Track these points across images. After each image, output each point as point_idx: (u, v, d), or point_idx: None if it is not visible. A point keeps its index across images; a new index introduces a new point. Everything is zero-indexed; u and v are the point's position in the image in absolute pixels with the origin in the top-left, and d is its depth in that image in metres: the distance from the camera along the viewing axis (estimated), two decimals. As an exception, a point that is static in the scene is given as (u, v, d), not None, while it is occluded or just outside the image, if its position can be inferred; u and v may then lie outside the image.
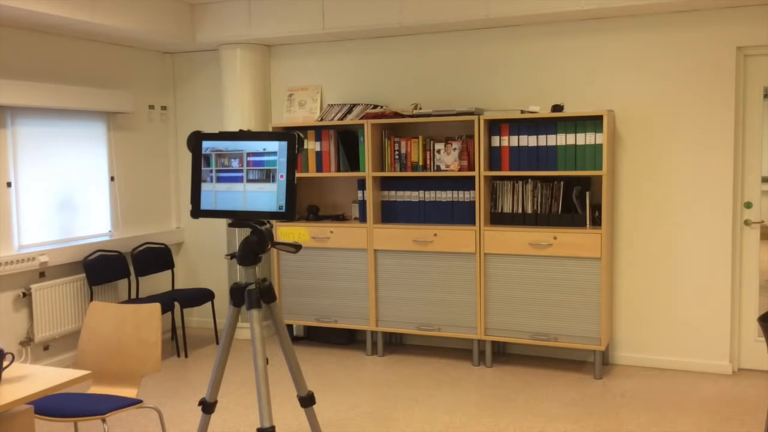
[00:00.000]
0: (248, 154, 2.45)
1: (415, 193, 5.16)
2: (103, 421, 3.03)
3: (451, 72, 5.34)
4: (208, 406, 3.01)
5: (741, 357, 4.85)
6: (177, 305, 5.71)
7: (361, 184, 5.24)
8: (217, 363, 2.95)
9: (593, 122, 4.64)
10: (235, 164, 2.46)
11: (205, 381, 4.85)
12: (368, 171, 5.16)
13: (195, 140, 2.54)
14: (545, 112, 4.83)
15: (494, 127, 4.90)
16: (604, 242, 4.60)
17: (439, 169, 5.04)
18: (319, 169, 5.41)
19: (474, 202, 4.93)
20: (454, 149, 4.99)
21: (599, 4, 4.56)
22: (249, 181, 2.45)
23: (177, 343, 5.59)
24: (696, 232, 4.79)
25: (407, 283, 5.11)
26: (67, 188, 5.31)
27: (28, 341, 4.95)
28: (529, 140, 4.80)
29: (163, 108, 6.21)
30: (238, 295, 2.84)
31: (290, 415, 4.16)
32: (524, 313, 4.81)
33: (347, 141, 5.39)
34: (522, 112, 4.84)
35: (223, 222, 6.08)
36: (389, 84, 5.53)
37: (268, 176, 2.43)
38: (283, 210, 2.54)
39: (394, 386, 4.67)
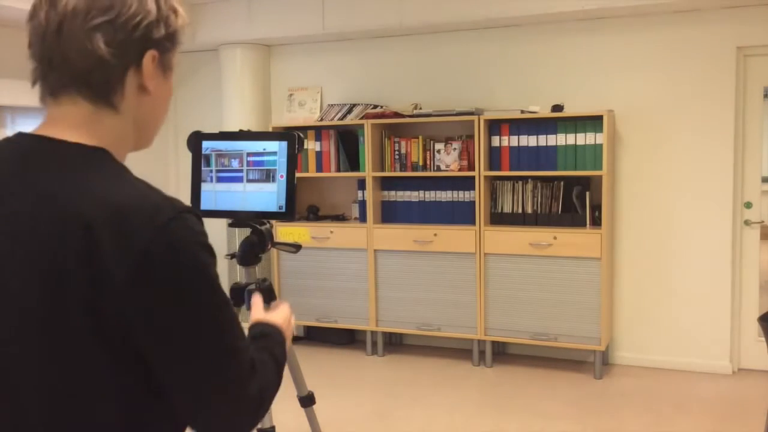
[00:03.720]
0: (248, 154, 2.45)
1: (415, 193, 5.16)
2: (103, 421, 3.03)
3: (451, 72, 5.33)
4: (208, 406, 3.00)
5: (741, 357, 4.85)
6: (177, 305, 5.70)
7: (361, 184, 5.24)
8: (217, 363, 2.94)
9: (593, 122, 4.63)
10: (235, 164, 2.46)
11: (205, 381, 4.84)
12: (368, 171, 5.16)
13: (195, 140, 2.53)
14: (545, 112, 4.83)
15: (494, 127, 4.89)
16: (604, 242, 4.60)
17: (439, 169, 5.04)
18: (319, 169, 5.40)
19: (474, 202, 4.93)
20: (454, 149, 4.99)
21: (599, 4, 4.56)
22: (249, 181, 2.45)
23: (177, 343, 5.58)
24: (696, 232, 4.79)
25: (407, 283, 5.11)
26: (67, 188, 5.30)
27: (28, 341, 4.94)
28: (529, 140, 4.80)
29: (163, 108, 6.20)
30: (238, 295, 2.84)
31: (290, 415, 4.16)
32: (524, 313, 4.81)
33: (347, 141, 5.38)
34: (522, 112, 4.83)
35: (223, 222, 6.07)
36: (389, 84, 5.52)
37: (268, 176, 2.43)
38: (283, 210, 2.54)
39: (394, 386, 4.67)
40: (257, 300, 1.46)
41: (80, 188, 1.00)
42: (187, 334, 1.00)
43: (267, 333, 1.29)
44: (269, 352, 1.21)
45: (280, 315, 1.38)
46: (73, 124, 1.06)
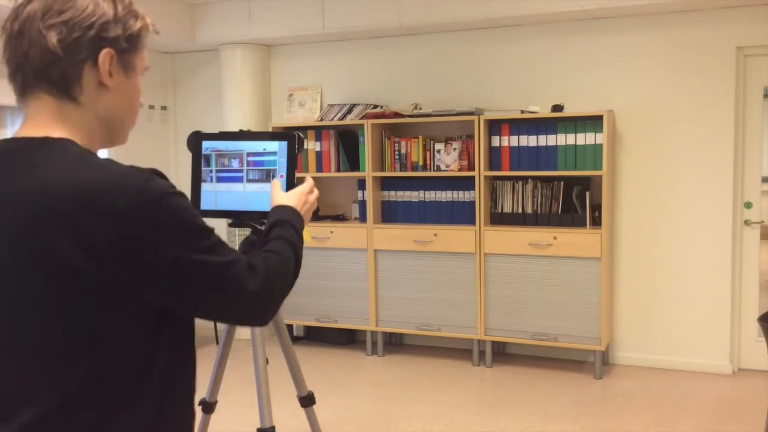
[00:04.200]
0: (248, 154, 2.44)
1: (415, 193, 5.16)
2: (103, 421, 3.02)
3: (451, 72, 5.33)
4: (208, 406, 3.01)
5: (741, 357, 4.85)
6: (177, 305, 5.70)
7: (361, 184, 5.24)
8: (217, 363, 2.95)
9: (593, 122, 4.63)
10: (235, 164, 2.45)
11: (205, 381, 4.84)
12: (368, 171, 5.16)
13: (195, 140, 2.53)
14: (545, 112, 4.83)
15: (494, 127, 4.89)
16: (604, 242, 4.60)
17: (439, 169, 5.04)
18: (319, 169, 5.40)
19: (474, 202, 4.93)
20: (454, 149, 4.99)
21: (599, 4, 4.56)
22: (249, 181, 2.45)
23: (177, 343, 5.58)
24: (696, 232, 4.79)
25: (407, 283, 5.11)
26: (67, 188, 5.30)
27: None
28: (529, 140, 4.80)
29: (163, 108, 6.21)
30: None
31: (290, 415, 4.16)
32: (524, 313, 4.81)
33: (347, 141, 5.38)
34: (522, 112, 4.83)
35: (223, 222, 6.07)
36: (389, 84, 5.52)
37: (268, 176, 2.43)
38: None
39: (394, 386, 4.67)
40: (275, 184, 1.66)
41: (50, 177, 1.09)
42: (184, 268, 1.13)
43: (281, 220, 1.47)
44: (282, 239, 1.40)
45: (295, 193, 1.61)
46: (42, 121, 1.17)
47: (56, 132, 1.16)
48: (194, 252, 1.14)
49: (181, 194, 1.15)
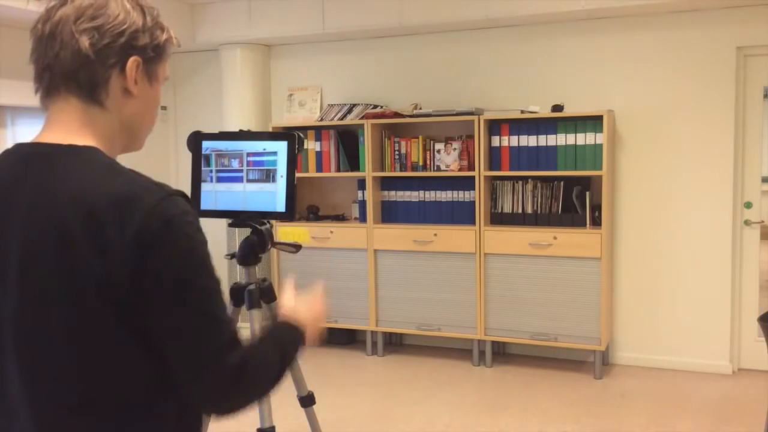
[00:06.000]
0: (248, 154, 2.45)
1: (415, 193, 5.15)
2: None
3: (451, 72, 5.33)
4: (208, 406, 3.00)
5: (741, 357, 4.85)
6: (177, 305, 5.69)
7: (361, 184, 5.24)
8: (217, 363, 2.94)
9: (593, 122, 4.63)
10: (235, 164, 2.45)
11: (205, 381, 4.84)
12: (368, 171, 5.16)
13: (195, 140, 2.53)
14: (545, 112, 4.83)
15: (494, 127, 4.89)
16: (604, 242, 4.60)
17: (439, 169, 5.04)
18: (319, 169, 5.40)
19: (474, 202, 4.93)
20: (454, 149, 4.99)
21: (599, 4, 4.55)
22: (249, 181, 2.45)
23: (177, 343, 5.58)
24: (696, 232, 4.79)
25: (407, 283, 5.11)
26: (67, 188, 5.30)
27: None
28: (529, 140, 4.80)
29: (163, 108, 6.20)
30: (238, 295, 2.84)
31: (290, 415, 4.15)
32: (524, 313, 4.81)
33: (347, 141, 5.38)
34: (522, 112, 4.83)
35: (223, 222, 6.07)
36: (389, 84, 5.52)
37: (268, 176, 2.43)
38: (283, 210, 2.54)
39: (394, 386, 4.67)
40: (288, 286, 1.60)
41: (78, 185, 1.11)
42: (178, 297, 1.11)
43: (284, 334, 1.41)
44: (277, 348, 1.34)
45: (309, 311, 1.54)
46: (66, 125, 1.18)
47: (81, 137, 1.18)
48: (189, 287, 1.12)
49: (198, 226, 1.15)
